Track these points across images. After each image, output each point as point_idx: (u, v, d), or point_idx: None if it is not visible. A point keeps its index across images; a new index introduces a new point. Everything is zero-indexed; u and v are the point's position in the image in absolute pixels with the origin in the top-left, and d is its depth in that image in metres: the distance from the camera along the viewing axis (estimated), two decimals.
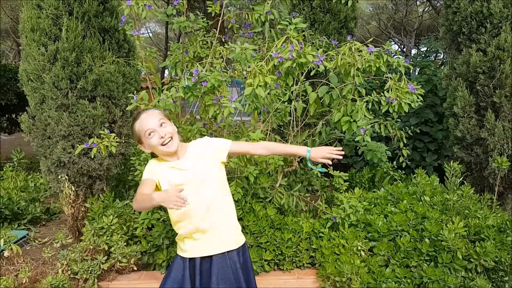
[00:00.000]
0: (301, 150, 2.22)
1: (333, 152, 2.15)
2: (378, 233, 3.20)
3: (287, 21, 3.31)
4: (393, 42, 18.76)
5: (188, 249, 2.05)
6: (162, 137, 2.00)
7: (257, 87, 2.82)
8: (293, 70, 3.06)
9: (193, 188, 2.01)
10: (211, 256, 2.02)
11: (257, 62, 2.89)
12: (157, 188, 2.03)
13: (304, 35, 3.92)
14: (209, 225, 2.03)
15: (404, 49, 18.44)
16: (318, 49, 3.57)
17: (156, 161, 2.11)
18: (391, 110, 3.06)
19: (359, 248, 3.14)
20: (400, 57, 3.07)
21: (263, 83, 2.84)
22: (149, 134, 2.01)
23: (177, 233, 2.13)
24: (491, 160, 3.67)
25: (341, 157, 2.16)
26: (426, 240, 3.05)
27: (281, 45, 3.03)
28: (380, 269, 3.00)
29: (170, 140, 2.02)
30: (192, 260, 2.04)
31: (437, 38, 7.12)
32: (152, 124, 2.01)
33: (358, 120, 3.11)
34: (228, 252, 2.05)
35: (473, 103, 3.79)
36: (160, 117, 2.04)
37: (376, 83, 5.53)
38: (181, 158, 2.09)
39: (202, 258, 2.03)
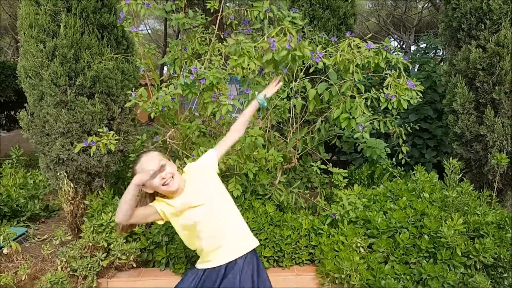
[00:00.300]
0: (255, 103, 2.46)
1: (273, 86, 2.55)
2: (377, 229, 3.20)
3: (284, 12, 3.29)
4: (392, 39, 18.75)
5: (213, 259, 2.14)
6: (163, 178, 2.06)
7: (237, 67, 2.82)
8: (291, 65, 3.03)
9: (207, 212, 2.12)
10: (235, 260, 2.13)
11: (247, 43, 2.86)
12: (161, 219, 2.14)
13: (303, 32, 3.91)
14: (228, 234, 2.15)
15: (404, 46, 18.41)
16: (317, 46, 3.56)
17: (164, 203, 2.13)
18: (390, 107, 3.06)
19: (358, 244, 3.15)
20: (400, 53, 3.06)
21: (246, 65, 2.81)
22: (153, 176, 2.05)
23: (195, 251, 2.24)
24: (491, 156, 3.67)
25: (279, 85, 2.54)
26: (425, 236, 3.05)
27: (275, 33, 3.00)
28: (379, 265, 3.01)
29: (171, 180, 2.08)
30: (215, 268, 2.13)
31: (436, 34, 7.11)
32: (153, 166, 2.06)
33: (357, 117, 3.10)
34: (247, 253, 2.17)
35: (472, 99, 3.79)
36: (160, 158, 2.11)
37: (376, 80, 5.52)
38: (184, 193, 2.16)
39: (228, 263, 2.13)
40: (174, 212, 2.10)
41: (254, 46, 2.88)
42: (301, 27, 3.39)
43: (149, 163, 2.07)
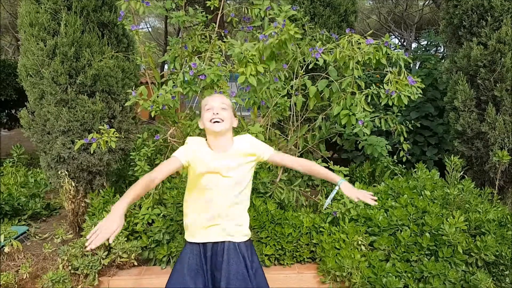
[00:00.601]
0: (335, 177, 2.23)
1: (367, 197, 2.14)
2: (379, 227, 3.20)
3: (278, 8, 3.29)
4: (393, 36, 18.70)
5: (202, 235, 2.11)
6: (214, 114, 2.06)
7: (249, 76, 2.82)
8: (280, 55, 3.03)
9: (227, 186, 2.08)
10: (223, 242, 2.10)
11: (248, 51, 2.86)
12: (184, 169, 2.10)
13: (304, 29, 3.91)
14: (226, 218, 2.11)
15: (404, 43, 18.38)
16: (318, 42, 3.55)
17: (202, 141, 2.14)
18: (390, 103, 3.05)
19: (360, 242, 3.14)
20: (400, 50, 3.06)
21: (255, 72, 2.82)
22: (207, 110, 2.09)
23: (186, 222, 2.18)
24: (492, 154, 3.66)
25: (375, 203, 2.16)
26: (427, 234, 3.05)
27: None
28: (380, 263, 3.00)
29: (219, 122, 2.07)
30: (204, 244, 2.11)
31: (437, 31, 7.10)
32: (214, 102, 2.10)
33: (357, 113, 3.10)
34: (238, 242, 2.12)
35: (473, 97, 3.78)
36: (224, 101, 2.13)
37: (377, 77, 5.51)
38: (227, 152, 2.12)
39: (214, 243, 2.10)
40: (202, 167, 2.06)
41: (254, 50, 2.88)
42: (301, 24, 3.39)
43: (214, 98, 2.13)
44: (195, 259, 2.10)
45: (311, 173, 2.34)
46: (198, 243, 2.11)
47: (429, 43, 6.35)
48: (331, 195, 2.24)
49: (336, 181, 2.20)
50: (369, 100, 3.22)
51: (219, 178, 2.07)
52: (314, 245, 3.29)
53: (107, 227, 1.70)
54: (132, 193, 1.96)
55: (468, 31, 3.84)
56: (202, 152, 2.09)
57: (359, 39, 3.02)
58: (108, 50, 3.50)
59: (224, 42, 3.53)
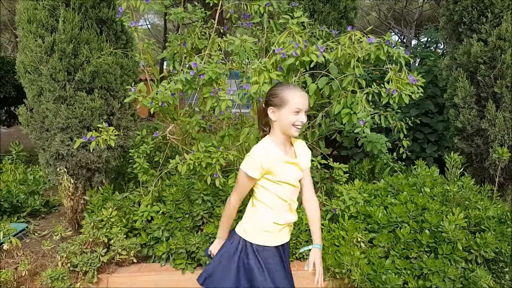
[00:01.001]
0: (316, 238, 2.23)
1: (319, 278, 2.13)
2: (378, 224, 3.20)
3: (288, 15, 3.27)
4: (393, 33, 18.66)
5: (279, 237, 2.15)
6: (300, 121, 2.02)
7: (263, 84, 2.82)
8: (296, 67, 3.03)
9: (295, 191, 2.17)
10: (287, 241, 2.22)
11: (261, 60, 2.87)
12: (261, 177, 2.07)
13: (303, 26, 3.89)
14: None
15: (404, 40, 18.35)
16: (318, 39, 3.54)
17: (273, 145, 2.06)
18: (391, 102, 3.04)
19: (359, 239, 3.14)
20: (401, 48, 3.05)
21: (269, 79, 2.83)
22: (296, 110, 2.01)
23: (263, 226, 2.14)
24: (492, 151, 3.65)
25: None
26: (426, 231, 3.04)
27: (284, 39, 3.00)
28: (380, 260, 3.00)
29: (300, 128, 2.06)
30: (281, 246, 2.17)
31: (437, 28, 7.08)
32: (306, 105, 2.03)
33: (358, 112, 3.09)
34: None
35: (473, 93, 3.77)
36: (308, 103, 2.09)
37: (377, 74, 5.50)
38: (296, 153, 2.16)
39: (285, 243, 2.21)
40: (281, 176, 2.05)
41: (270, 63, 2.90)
42: (302, 24, 3.38)
43: (305, 101, 2.03)
44: (277, 262, 2.11)
45: (307, 212, 2.30)
46: (277, 246, 2.13)
47: (429, 40, 6.34)
48: (304, 249, 2.30)
49: (314, 241, 2.22)
50: (369, 98, 3.21)
51: (291, 186, 2.12)
52: None
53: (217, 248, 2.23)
54: (229, 220, 2.26)
55: (468, 28, 3.82)
56: (277, 161, 2.04)
57: (360, 37, 3.01)
58: (106, 47, 3.49)
59: (223, 39, 3.52)
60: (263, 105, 2.12)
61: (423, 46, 6.40)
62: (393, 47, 3.00)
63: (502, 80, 3.60)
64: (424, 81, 3.16)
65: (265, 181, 2.06)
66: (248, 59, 3.18)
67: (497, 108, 3.68)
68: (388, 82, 3.04)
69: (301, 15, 3.25)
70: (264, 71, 2.84)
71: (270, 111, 2.05)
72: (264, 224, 2.10)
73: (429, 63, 5.28)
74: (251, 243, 2.09)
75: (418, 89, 3.04)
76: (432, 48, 6.37)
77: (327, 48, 3.08)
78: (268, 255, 2.07)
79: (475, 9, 3.72)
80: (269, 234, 2.10)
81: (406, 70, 3.05)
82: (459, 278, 2.91)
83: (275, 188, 2.06)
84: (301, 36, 2.95)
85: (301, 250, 2.54)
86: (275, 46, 2.99)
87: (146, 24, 22.62)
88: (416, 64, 6.23)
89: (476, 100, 3.80)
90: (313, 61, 2.92)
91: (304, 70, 3.54)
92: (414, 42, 17.80)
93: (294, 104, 1.99)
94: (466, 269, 2.96)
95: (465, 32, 3.85)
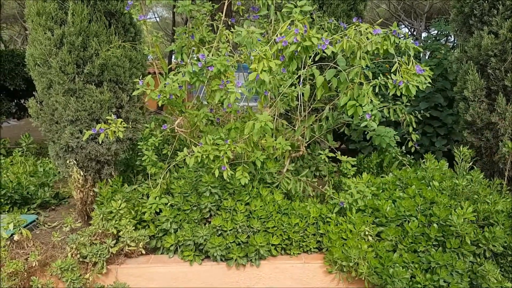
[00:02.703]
0: None
1: None
2: (386, 218, 3.19)
3: (292, 3, 3.25)
4: (403, 26, 18.48)
5: None
6: None
7: (261, 72, 2.80)
8: (298, 55, 3.01)
9: None
10: None
11: (262, 47, 2.85)
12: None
13: (312, 18, 3.87)
14: None
15: (414, 33, 18.16)
16: (326, 31, 3.52)
17: None
18: (398, 93, 3.02)
19: (367, 233, 3.14)
20: (409, 38, 3.02)
21: (268, 68, 2.81)
22: None
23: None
24: (502, 144, 3.62)
25: None
26: (435, 225, 3.03)
27: (287, 28, 2.99)
28: (387, 254, 3.00)
29: None
30: None
31: (447, 21, 7.00)
32: None
33: (364, 105, 3.07)
34: None
35: (484, 86, 3.73)
36: None
37: (386, 67, 5.46)
38: None
39: None
40: None
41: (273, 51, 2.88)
42: (309, 13, 3.35)
43: None
44: None
45: None
46: None
47: (439, 32, 6.27)
48: None
49: None
50: (377, 91, 3.19)
51: None
52: (321, 235, 3.29)
53: None
54: None
55: (479, 20, 3.78)
56: None
57: (367, 28, 2.99)
58: (115, 40, 3.50)
59: (232, 32, 3.51)
60: None
61: (433, 38, 6.33)
62: (401, 38, 2.97)
63: None
64: (432, 73, 3.13)
65: None
66: (254, 51, 3.17)
67: (508, 101, 3.64)
68: (395, 73, 3.02)
69: (304, 4, 3.22)
70: (264, 59, 2.82)
71: None
72: None
73: (439, 56, 5.23)
74: None
75: (426, 79, 3.01)
76: (442, 41, 6.31)
77: (333, 41, 3.05)
78: None
79: (486, 1, 3.67)
80: None
81: (413, 61, 3.03)
82: (467, 272, 2.90)
83: None
84: (302, 23, 2.93)
85: None
86: (276, 34, 2.97)
87: (155, 17, 22.62)
88: (426, 57, 6.17)
89: (486, 93, 3.76)
90: (315, 47, 2.90)
91: (312, 62, 3.53)
92: (424, 34, 17.61)
93: None
94: (474, 263, 2.95)
95: (476, 25, 3.80)
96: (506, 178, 3.67)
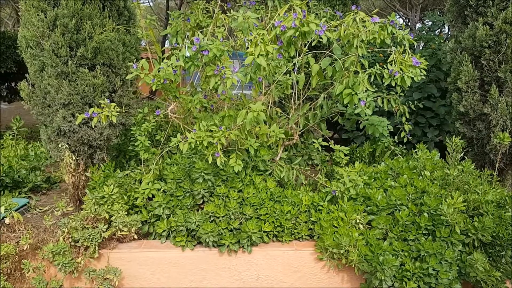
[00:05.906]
0: None
1: None
2: (377, 207, 3.22)
3: None
4: (398, 16, 18.44)
5: None
6: None
7: (258, 57, 2.78)
8: (296, 40, 3.00)
9: None
10: None
11: (259, 31, 2.83)
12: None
13: (308, 6, 3.85)
14: None
15: (409, 23, 18.14)
16: (321, 19, 3.50)
17: None
18: (393, 83, 3.03)
19: (358, 221, 3.17)
20: (405, 30, 3.02)
21: (265, 52, 2.79)
22: None
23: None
24: (493, 136, 3.65)
25: None
26: (425, 214, 3.07)
27: (284, 14, 2.97)
28: (378, 242, 3.03)
29: None
30: None
31: (442, 12, 7.00)
32: None
33: (360, 93, 3.08)
34: None
35: (477, 78, 3.75)
36: None
37: (380, 57, 5.46)
38: None
39: None
40: None
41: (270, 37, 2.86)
42: (308, 6, 3.34)
43: None
44: None
45: None
46: None
47: (433, 23, 6.27)
48: None
49: None
50: (371, 80, 3.19)
51: None
52: (313, 223, 3.31)
53: None
54: None
55: (474, 11, 3.78)
56: None
57: (364, 17, 2.98)
58: (109, 23, 3.45)
59: (228, 16, 3.48)
60: None
61: (428, 29, 6.33)
62: (398, 28, 2.97)
63: (506, 64, 3.58)
64: (427, 64, 3.13)
65: None
66: (251, 35, 3.14)
67: (500, 93, 3.66)
68: (391, 64, 3.02)
69: None
70: (261, 43, 2.80)
71: None
72: None
73: (433, 47, 5.23)
74: None
75: (421, 71, 3.02)
76: (436, 32, 6.30)
77: (330, 28, 3.04)
78: None
79: None
80: None
81: (410, 52, 3.03)
82: (456, 261, 2.94)
83: None
84: (300, 8, 2.91)
85: None
86: (275, 19, 2.96)
87: (148, 1, 22.33)
88: (420, 48, 6.17)
89: (480, 85, 3.78)
90: (313, 33, 2.89)
91: (308, 50, 3.51)
92: (418, 25, 17.59)
93: None
94: (463, 252, 3.00)
95: (471, 15, 3.81)
96: (496, 169, 3.71)
